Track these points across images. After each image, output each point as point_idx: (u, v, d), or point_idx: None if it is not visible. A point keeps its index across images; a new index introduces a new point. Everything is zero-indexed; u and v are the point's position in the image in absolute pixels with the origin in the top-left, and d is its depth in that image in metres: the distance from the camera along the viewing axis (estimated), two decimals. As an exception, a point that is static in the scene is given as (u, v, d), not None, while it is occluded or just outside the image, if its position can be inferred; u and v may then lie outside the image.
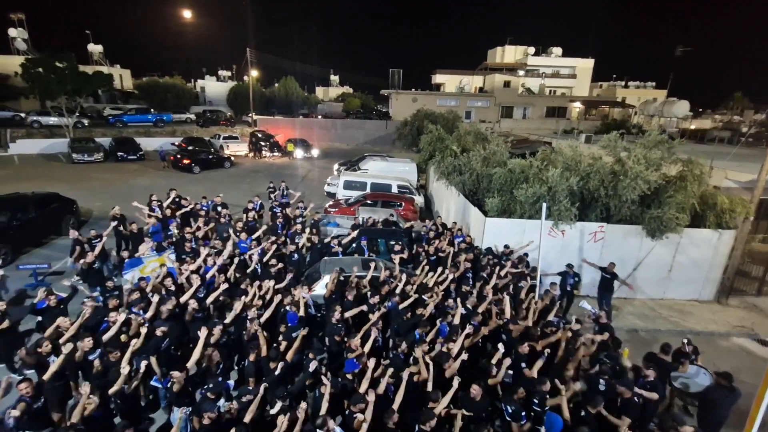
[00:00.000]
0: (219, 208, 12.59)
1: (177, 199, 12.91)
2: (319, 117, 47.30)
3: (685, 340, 6.62)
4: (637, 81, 63.11)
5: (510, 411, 5.09)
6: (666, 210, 9.82)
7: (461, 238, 10.95)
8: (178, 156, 24.74)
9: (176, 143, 28.52)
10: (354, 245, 10.66)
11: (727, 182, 13.50)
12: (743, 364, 8.46)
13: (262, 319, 6.51)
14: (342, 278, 8.11)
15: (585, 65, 53.59)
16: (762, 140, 23.94)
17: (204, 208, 12.53)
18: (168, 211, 11.86)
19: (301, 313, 6.75)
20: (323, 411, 4.67)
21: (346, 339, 6.17)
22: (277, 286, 7.63)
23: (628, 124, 36.30)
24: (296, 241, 10.07)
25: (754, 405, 3.22)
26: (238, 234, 10.08)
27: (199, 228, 10.77)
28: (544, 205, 9.13)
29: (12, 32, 42.81)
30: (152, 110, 36.36)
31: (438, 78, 53.37)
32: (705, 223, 10.57)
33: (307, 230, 10.54)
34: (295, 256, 9.43)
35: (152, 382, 5.59)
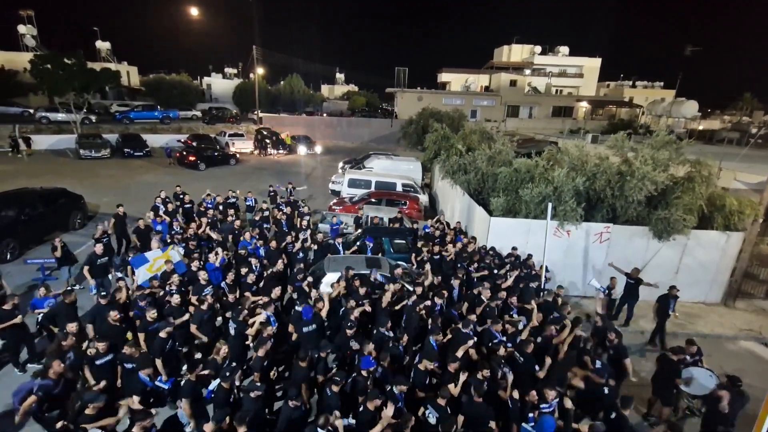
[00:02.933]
0: (221, 207, 12.65)
1: (181, 196, 12.99)
2: (324, 115, 47.34)
3: None
4: (644, 81, 62.67)
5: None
6: (673, 211, 9.73)
7: (460, 240, 10.88)
8: (184, 153, 24.86)
9: (182, 140, 28.68)
10: (358, 243, 10.65)
11: (736, 183, 13.39)
12: (750, 368, 8.38)
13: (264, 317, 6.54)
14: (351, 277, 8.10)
15: (592, 64, 53.19)
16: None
17: (208, 205, 12.57)
18: (170, 207, 11.95)
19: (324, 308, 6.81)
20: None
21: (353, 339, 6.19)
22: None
23: (635, 125, 36.01)
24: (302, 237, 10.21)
25: (763, 409, 3.18)
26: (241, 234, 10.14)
27: (200, 225, 10.80)
28: (549, 205, 9.08)
29: (21, 29, 43.10)
30: (159, 107, 36.53)
31: (444, 76, 53.19)
32: (713, 224, 10.45)
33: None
34: (300, 254, 9.43)
35: (157, 383, 5.62)
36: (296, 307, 6.87)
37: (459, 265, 9.14)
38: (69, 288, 7.76)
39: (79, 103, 28.08)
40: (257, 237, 10.25)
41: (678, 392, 6.33)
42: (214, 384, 5.16)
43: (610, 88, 61.01)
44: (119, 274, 8.60)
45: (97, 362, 5.68)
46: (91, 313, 6.63)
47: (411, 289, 8.03)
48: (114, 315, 6.27)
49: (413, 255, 10.15)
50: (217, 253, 8.80)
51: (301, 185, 15.40)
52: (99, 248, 8.60)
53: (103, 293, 6.80)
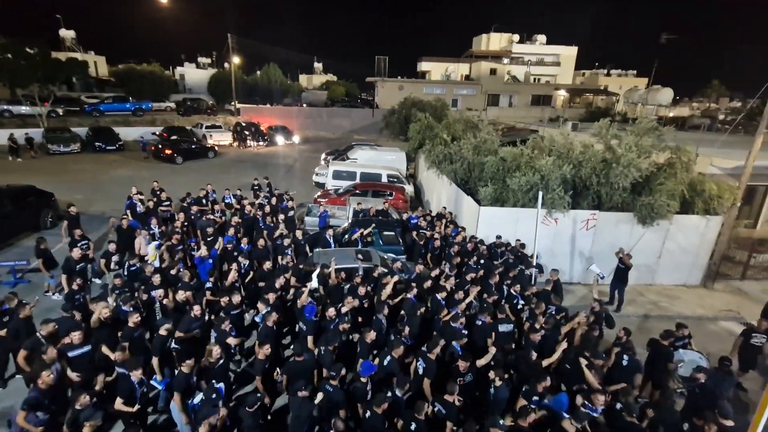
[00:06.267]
0: (204, 202, 12.23)
1: (158, 192, 12.50)
2: (304, 105, 46.49)
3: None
4: (618, 69, 63.77)
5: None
6: (657, 197, 9.93)
7: (456, 232, 10.83)
8: (160, 146, 24.02)
9: (157, 132, 27.69)
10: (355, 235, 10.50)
11: (712, 169, 13.74)
12: (730, 347, 8.64)
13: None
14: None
15: (568, 53, 53.55)
16: (740, 127, 24.44)
17: (228, 199, 12.25)
18: (151, 204, 11.46)
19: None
20: None
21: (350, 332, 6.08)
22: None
23: (612, 112, 36.73)
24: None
25: (763, 397, 3.24)
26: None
27: (185, 225, 10.41)
28: (540, 193, 9.11)
29: (-24, 16, 40.61)
30: (130, 98, 35.11)
31: (424, 65, 52.80)
32: (693, 209, 10.72)
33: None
34: (288, 251, 9.21)
35: (152, 382, 5.40)
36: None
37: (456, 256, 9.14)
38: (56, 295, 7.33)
39: (44, 95, 26.68)
40: (241, 233, 9.99)
41: (669, 375, 6.47)
42: (198, 398, 4.96)
43: (586, 77, 61.81)
44: (97, 281, 8.17)
45: (70, 354, 5.41)
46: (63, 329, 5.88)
47: (406, 276, 8.00)
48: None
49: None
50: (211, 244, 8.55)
51: (282, 179, 14.91)
52: (76, 253, 7.96)
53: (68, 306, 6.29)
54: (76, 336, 5.43)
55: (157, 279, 7.05)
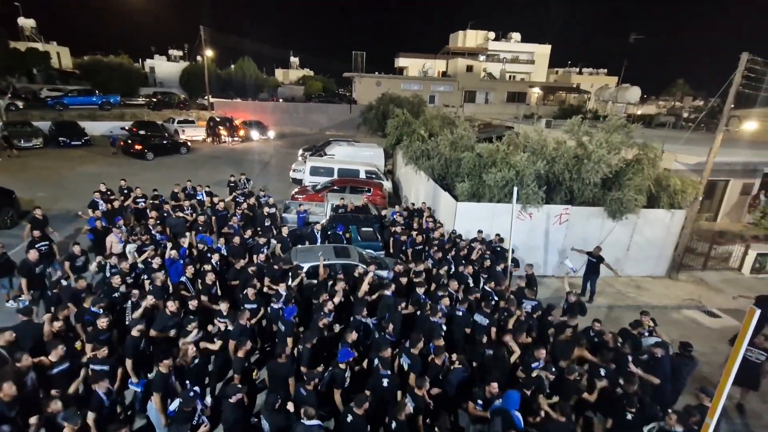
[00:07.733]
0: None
1: (126, 190, 12.08)
2: (280, 100, 45.81)
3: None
4: (590, 68, 65.60)
5: None
6: (626, 192, 10.30)
7: (428, 224, 10.93)
8: (129, 141, 23.19)
9: (126, 127, 26.73)
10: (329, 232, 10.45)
11: (677, 165, 14.36)
12: (693, 334, 9.11)
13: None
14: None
15: (542, 51, 54.66)
16: (702, 125, 25.60)
17: (162, 201, 11.82)
18: (116, 203, 11.04)
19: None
20: None
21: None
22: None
23: (583, 110, 37.77)
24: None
25: (723, 375, 3.44)
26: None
27: (156, 224, 10.08)
28: (515, 188, 9.30)
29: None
30: (97, 92, 33.70)
31: (401, 61, 52.81)
32: (659, 204, 11.18)
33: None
34: (264, 250, 9.07)
35: (129, 385, 5.24)
36: (273, 305, 6.60)
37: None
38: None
39: (2, 87, 25.31)
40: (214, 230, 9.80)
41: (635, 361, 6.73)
42: (174, 404, 4.80)
43: (559, 75, 63.22)
44: (63, 283, 7.81)
45: (54, 371, 5.15)
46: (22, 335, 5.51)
47: (385, 275, 8.01)
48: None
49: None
50: (177, 246, 8.31)
51: (258, 175, 14.62)
52: (33, 254, 7.47)
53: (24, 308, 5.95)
54: (58, 350, 5.15)
55: (117, 280, 6.80)
